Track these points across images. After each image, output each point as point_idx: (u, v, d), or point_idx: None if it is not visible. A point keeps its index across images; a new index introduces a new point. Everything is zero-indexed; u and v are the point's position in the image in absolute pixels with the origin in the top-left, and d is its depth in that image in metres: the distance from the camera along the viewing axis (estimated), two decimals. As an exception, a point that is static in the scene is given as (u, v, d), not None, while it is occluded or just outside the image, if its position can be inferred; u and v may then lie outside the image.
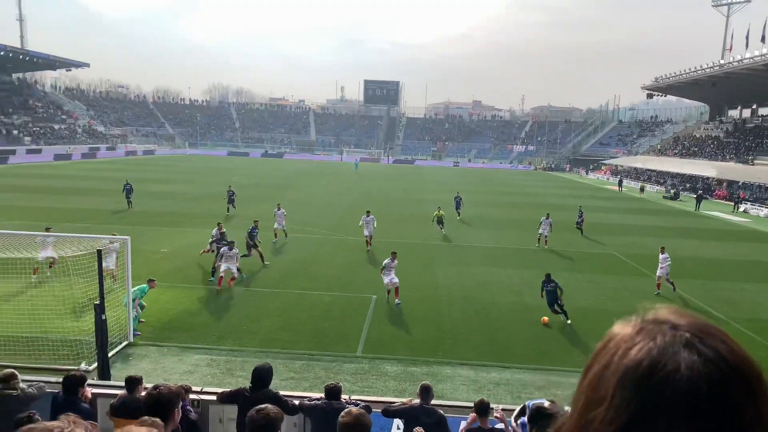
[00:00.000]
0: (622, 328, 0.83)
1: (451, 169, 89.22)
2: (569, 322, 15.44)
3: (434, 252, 24.60)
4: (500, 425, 6.55)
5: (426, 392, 6.98)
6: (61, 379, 6.80)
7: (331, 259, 22.39)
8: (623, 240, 29.61)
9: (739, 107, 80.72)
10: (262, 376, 6.60)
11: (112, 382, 9.61)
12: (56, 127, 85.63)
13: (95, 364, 11.14)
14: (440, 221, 28.72)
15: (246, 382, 6.89)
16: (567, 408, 0.88)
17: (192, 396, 7.50)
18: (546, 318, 15.50)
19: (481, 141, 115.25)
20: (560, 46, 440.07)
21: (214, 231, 20.16)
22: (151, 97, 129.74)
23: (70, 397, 6.43)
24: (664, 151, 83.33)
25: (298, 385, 11.07)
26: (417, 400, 6.99)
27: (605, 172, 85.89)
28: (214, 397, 7.45)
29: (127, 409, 6.30)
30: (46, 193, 38.28)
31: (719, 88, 73.18)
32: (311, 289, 17.85)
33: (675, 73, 78.50)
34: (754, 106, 76.61)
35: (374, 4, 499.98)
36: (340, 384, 6.99)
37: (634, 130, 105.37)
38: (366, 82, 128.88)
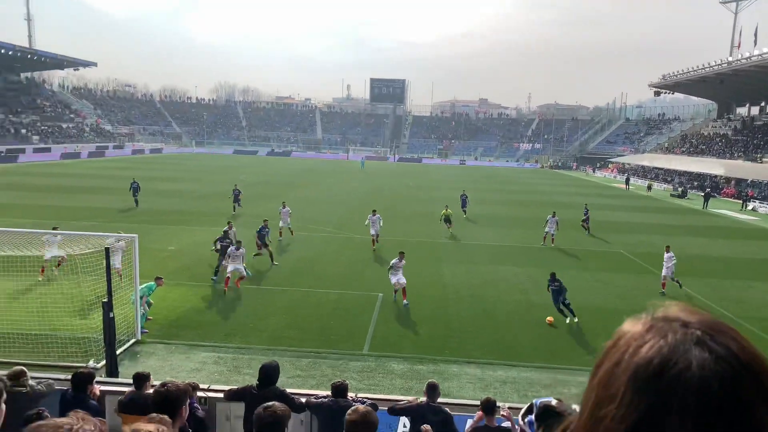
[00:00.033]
0: (632, 326, 0.83)
1: (457, 168, 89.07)
2: (576, 320, 15.40)
3: (441, 250, 24.59)
4: (507, 424, 6.53)
5: (432, 390, 6.98)
6: (69, 377, 6.86)
7: (337, 257, 22.44)
8: (630, 238, 29.47)
9: (747, 105, 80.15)
10: (269, 374, 6.61)
11: (120, 380, 9.69)
12: (64, 126, 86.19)
13: (103, 362, 11.22)
14: (448, 220, 28.68)
15: (253, 380, 6.91)
16: (574, 406, 0.88)
17: (199, 393, 7.54)
18: (551, 318, 15.44)
19: (488, 139, 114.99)
20: (567, 44, 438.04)
21: (231, 231, 20.36)
22: (158, 96, 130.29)
23: (78, 394, 6.48)
24: (672, 149, 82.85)
25: (304, 383, 11.11)
26: (423, 398, 7.00)
27: (612, 170, 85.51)
28: (221, 395, 7.49)
29: (135, 405, 6.34)
30: (54, 191, 38.56)
31: (727, 86, 72.62)
32: (318, 287, 17.89)
33: (683, 70, 77.96)
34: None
35: (381, 2, 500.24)
36: (347, 382, 6.99)
37: (641, 128, 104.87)
38: (372, 80, 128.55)
